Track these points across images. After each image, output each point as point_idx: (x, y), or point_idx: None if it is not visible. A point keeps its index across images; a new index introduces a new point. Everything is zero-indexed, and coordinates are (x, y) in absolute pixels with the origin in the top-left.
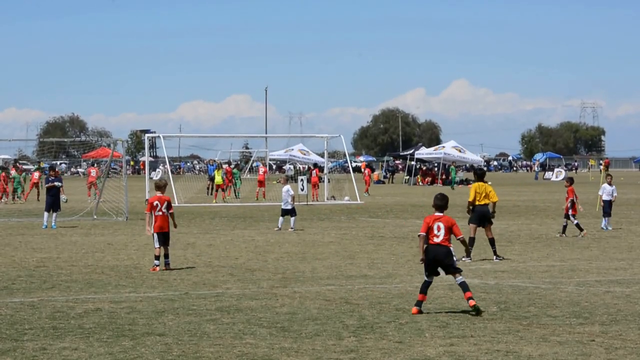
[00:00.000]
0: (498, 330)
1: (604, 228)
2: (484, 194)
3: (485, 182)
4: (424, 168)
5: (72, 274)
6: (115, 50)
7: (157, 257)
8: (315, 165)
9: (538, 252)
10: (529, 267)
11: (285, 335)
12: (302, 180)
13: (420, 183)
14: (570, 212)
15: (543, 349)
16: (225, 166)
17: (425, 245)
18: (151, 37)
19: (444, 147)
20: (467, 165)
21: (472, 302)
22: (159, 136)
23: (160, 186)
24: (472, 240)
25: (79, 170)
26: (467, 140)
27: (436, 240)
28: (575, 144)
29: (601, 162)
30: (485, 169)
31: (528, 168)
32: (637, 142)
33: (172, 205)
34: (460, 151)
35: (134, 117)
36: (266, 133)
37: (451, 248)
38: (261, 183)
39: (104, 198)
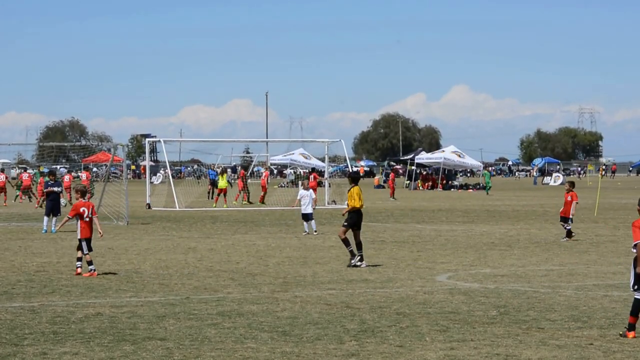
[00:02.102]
0: (497, 334)
1: None
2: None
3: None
4: (424, 173)
5: (73, 279)
6: (116, 55)
7: (80, 259)
8: (314, 169)
9: (537, 257)
10: (528, 272)
11: (286, 339)
12: (302, 184)
13: (421, 188)
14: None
15: (542, 353)
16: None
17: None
18: (152, 42)
19: (443, 151)
20: (467, 170)
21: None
22: (159, 140)
23: (84, 192)
24: (346, 240)
25: (79, 174)
26: (466, 145)
27: None
28: (574, 149)
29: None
30: (360, 173)
31: (527, 173)
32: (634, 148)
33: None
34: (459, 156)
35: (134, 122)
36: (267, 137)
37: None
38: (262, 187)
39: (104, 202)
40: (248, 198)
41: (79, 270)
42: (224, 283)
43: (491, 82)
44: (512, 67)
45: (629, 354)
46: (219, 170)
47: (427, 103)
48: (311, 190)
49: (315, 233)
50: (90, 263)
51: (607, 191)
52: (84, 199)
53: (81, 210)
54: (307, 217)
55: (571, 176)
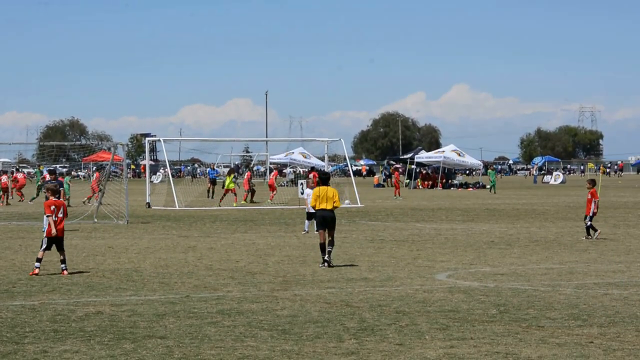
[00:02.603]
0: (497, 332)
1: None
2: (325, 198)
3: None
4: (424, 172)
5: (73, 277)
6: (116, 55)
7: (39, 260)
8: (313, 169)
9: (537, 255)
10: (528, 270)
11: (286, 337)
12: (302, 184)
13: (421, 187)
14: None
15: (542, 351)
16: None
17: None
18: (152, 41)
19: (443, 151)
20: (467, 169)
21: None
22: (159, 140)
23: (55, 191)
24: (322, 245)
25: (79, 173)
26: (466, 144)
27: None
28: (574, 147)
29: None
30: (329, 173)
31: (527, 172)
32: (634, 146)
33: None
34: (459, 155)
35: (134, 121)
36: (267, 137)
37: None
38: (271, 187)
39: (104, 201)
40: (252, 198)
41: (36, 270)
42: (224, 282)
43: (491, 80)
44: (513, 65)
45: (629, 352)
46: (225, 171)
47: (427, 102)
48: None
49: (316, 232)
50: (39, 260)
51: (607, 189)
52: (55, 198)
53: (51, 208)
54: (310, 216)
55: (581, 174)
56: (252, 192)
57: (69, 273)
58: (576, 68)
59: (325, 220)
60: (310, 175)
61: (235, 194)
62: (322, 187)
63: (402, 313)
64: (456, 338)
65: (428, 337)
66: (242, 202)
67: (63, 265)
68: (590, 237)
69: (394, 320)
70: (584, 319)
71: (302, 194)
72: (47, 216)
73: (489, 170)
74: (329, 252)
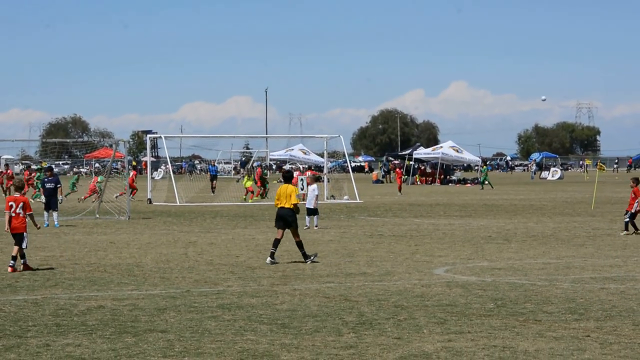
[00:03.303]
0: (495, 326)
1: None
2: (285, 197)
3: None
4: (422, 168)
5: (75, 272)
6: (117, 53)
7: (14, 257)
8: (309, 167)
9: (534, 250)
10: (526, 265)
11: (285, 331)
12: (301, 180)
13: (419, 182)
14: (634, 210)
15: (539, 345)
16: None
17: None
18: (153, 40)
19: (441, 147)
20: (464, 165)
21: None
22: (160, 137)
23: (19, 187)
24: (276, 241)
25: (81, 170)
26: (464, 140)
27: None
28: (571, 143)
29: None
30: (292, 171)
31: (525, 168)
32: (632, 142)
33: (30, 207)
34: (457, 151)
35: (136, 118)
36: (267, 133)
37: None
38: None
39: (106, 198)
40: (265, 194)
41: (12, 269)
42: (224, 276)
43: (490, 78)
44: (511, 63)
45: (625, 346)
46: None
47: (425, 99)
48: (315, 186)
49: (316, 228)
50: (14, 258)
51: (604, 185)
52: (18, 194)
53: (9, 204)
54: (310, 212)
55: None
56: (264, 187)
57: (23, 270)
58: (574, 65)
59: (282, 218)
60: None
61: (252, 192)
62: (283, 186)
63: (400, 307)
64: (454, 332)
65: (426, 330)
66: (256, 198)
67: (23, 260)
68: (628, 232)
69: (393, 314)
70: (580, 313)
71: (302, 189)
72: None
73: (483, 167)
74: (304, 254)
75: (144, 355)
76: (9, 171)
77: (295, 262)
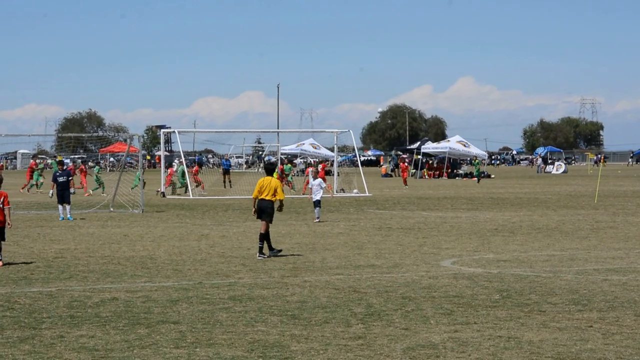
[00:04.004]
0: (500, 317)
1: None
2: (268, 189)
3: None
4: (430, 162)
5: (89, 265)
6: (132, 48)
7: None
8: (321, 161)
9: (539, 242)
10: (530, 257)
11: (295, 322)
12: (311, 172)
13: (426, 176)
14: None
15: (543, 335)
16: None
17: None
18: (168, 35)
19: (449, 141)
20: (469, 159)
21: None
22: (174, 131)
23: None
24: (262, 236)
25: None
26: (471, 135)
27: None
28: (575, 138)
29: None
30: (275, 164)
31: (530, 162)
32: (634, 137)
33: (9, 201)
34: (465, 145)
35: (150, 113)
36: (278, 128)
37: None
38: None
39: (120, 191)
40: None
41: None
42: (236, 269)
43: (496, 74)
44: (517, 59)
45: (627, 336)
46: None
47: (433, 94)
48: (320, 179)
49: (317, 220)
50: None
51: (607, 179)
52: None
53: None
54: (316, 204)
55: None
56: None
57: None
58: (578, 61)
59: (261, 210)
60: (319, 166)
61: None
62: (266, 178)
63: (408, 299)
64: (460, 323)
65: (433, 321)
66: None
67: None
68: None
69: (400, 305)
70: (584, 303)
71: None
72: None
73: (475, 161)
74: (260, 248)
75: (157, 346)
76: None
77: (298, 255)
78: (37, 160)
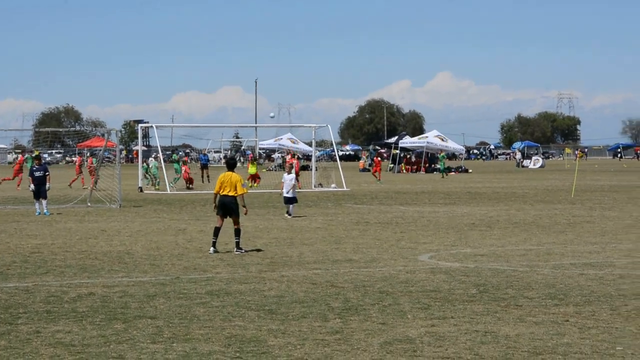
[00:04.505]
0: (477, 311)
1: None
2: (229, 185)
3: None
4: (408, 156)
5: (66, 260)
6: (110, 43)
7: None
8: (293, 156)
9: (516, 237)
10: (507, 251)
11: (272, 317)
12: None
13: (404, 171)
14: None
15: (520, 329)
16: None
17: None
18: (145, 30)
19: (427, 136)
20: (449, 153)
21: None
22: (151, 126)
23: None
24: (216, 229)
25: (74, 159)
26: (449, 129)
27: None
28: (553, 133)
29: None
30: (237, 159)
31: (507, 156)
32: (610, 131)
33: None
34: (442, 140)
35: (128, 108)
36: (256, 123)
37: None
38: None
39: (98, 186)
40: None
41: None
42: (213, 263)
43: (474, 69)
44: (495, 54)
45: (603, 330)
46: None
47: (412, 89)
48: (293, 175)
49: (287, 216)
50: None
51: (584, 173)
52: None
53: None
54: (288, 201)
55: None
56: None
57: None
58: (555, 56)
59: (225, 206)
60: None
61: (259, 178)
62: (227, 173)
63: (385, 293)
64: (437, 317)
65: (410, 316)
66: (255, 185)
67: None
68: None
69: (378, 300)
70: (560, 298)
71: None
72: None
73: (440, 154)
74: (237, 243)
75: (133, 341)
76: None
77: (285, 248)
78: (26, 156)
